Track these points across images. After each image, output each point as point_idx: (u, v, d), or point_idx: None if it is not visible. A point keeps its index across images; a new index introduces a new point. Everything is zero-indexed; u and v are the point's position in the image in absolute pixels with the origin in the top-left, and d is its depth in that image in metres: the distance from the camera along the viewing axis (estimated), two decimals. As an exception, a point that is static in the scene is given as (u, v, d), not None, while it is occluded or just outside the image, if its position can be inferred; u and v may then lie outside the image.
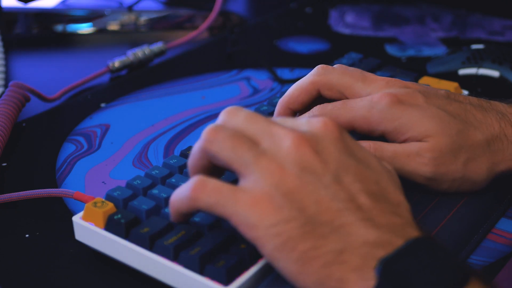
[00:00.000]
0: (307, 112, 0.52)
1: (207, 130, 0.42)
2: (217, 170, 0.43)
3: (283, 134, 0.41)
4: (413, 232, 0.39)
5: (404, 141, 0.50)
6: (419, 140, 0.50)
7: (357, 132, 0.52)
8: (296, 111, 0.54)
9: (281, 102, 0.54)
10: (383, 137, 0.51)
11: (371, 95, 0.51)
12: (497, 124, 0.51)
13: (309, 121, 0.42)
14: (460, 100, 0.52)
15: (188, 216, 0.43)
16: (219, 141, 0.41)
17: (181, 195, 0.41)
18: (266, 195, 0.39)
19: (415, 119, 0.50)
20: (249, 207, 0.39)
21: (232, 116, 0.42)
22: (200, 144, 0.42)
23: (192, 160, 0.43)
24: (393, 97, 0.50)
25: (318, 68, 0.53)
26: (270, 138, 0.41)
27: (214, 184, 0.40)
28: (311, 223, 0.38)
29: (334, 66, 0.54)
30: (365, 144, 0.50)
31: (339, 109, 0.51)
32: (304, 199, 0.39)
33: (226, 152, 0.41)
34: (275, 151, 0.40)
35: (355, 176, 0.40)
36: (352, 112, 0.51)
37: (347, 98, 0.52)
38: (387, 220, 0.39)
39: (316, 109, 0.52)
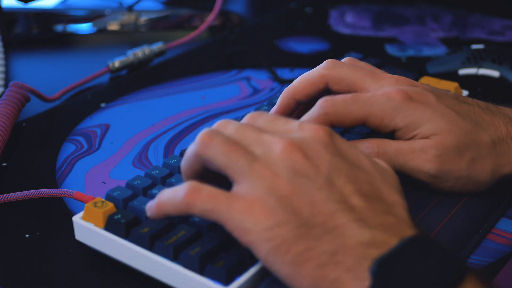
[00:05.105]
0: (314, 107, 0.50)
1: (201, 135, 0.42)
2: (210, 174, 0.43)
3: (273, 141, 0.41)
4: (408, 231, 0.39)
5: (412, 138, 0.50)
6: (427, 137, 0.50)
7: (367, 127, 0.51)
8: (300, 102, 0.53)
9: (286, 91, 0.53)
10: (389, 136, 0.51)
11: (383, 91, 0.50)
12: (504, 128, 0.51)
13: (300, 126, 0.43)
14: (468, 102, 0.52)
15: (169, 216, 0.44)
16: (214, 146, 0.41)
17: (173, 199, 0.41)
18: (260, 200, 0.39)
19: (426, 117, 0.50)
20: (244, 212, 0.39)
21: (223, 129, 0.43)
22: (194, 148, 0.42)
23: (186, 164, 0.43)
24: (406, 95, 0.50)
25: (327, 62, 0.53)
26: (262, 146, 0.41)
27: (208, 190, 0.40)
28: (305, 225, 0.38)
29: (344, 59, 0.54)
30: (369, 142, 0.50)
31: (352, 104, 0.50)
32: (298, 202, 0.39)
33: (221, 157, 0.41)
34: (267, 158, 0.40)
35: (347, 178, 0.40)
36: (365, 108, 0.50)
37: (355, 92, 0.51)
38: (380, 220, 0.39)
39: (324, 101, 0.50)
